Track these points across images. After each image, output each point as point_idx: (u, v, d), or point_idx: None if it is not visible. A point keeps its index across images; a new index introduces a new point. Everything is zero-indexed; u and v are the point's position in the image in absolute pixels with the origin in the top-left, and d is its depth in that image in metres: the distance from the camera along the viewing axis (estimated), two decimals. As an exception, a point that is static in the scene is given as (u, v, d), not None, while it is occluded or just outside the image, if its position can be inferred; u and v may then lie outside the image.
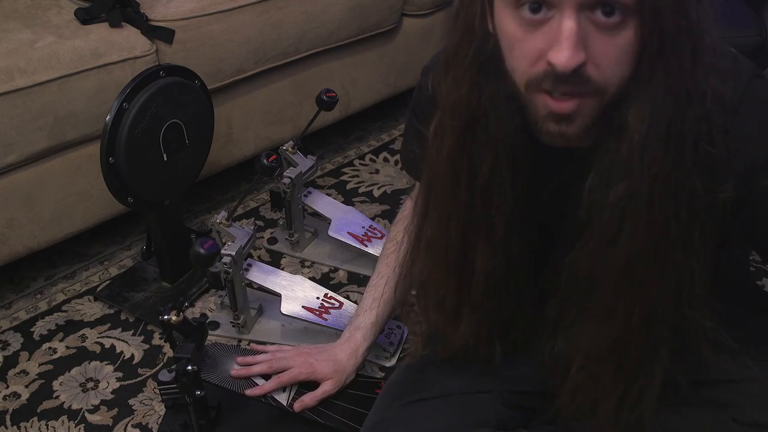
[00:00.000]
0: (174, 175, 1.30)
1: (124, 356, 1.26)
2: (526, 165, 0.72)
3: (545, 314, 0.78)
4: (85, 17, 1.31)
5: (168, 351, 1.26)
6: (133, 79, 1.17)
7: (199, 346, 1.02)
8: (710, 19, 0.61)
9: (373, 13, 1.71)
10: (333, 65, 1.71)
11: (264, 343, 1.25)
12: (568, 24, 0.58)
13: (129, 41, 1.31)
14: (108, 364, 1.24)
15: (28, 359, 1.25)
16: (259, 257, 1.49)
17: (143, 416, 1.14)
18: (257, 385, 1.12)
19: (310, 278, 1.37)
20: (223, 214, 1.22)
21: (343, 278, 1.45)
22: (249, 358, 1.16)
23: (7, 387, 1.19)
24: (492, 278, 0.77)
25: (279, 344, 1.24)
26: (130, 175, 1.19)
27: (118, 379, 1.21)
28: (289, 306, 1.24)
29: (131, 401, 1.17)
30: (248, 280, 1.26)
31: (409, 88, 1.94)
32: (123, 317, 1.34)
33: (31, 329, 1.31)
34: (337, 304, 1.28)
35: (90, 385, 1.20)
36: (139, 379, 1.21)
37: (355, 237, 1.44)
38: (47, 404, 1.16)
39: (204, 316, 1.32)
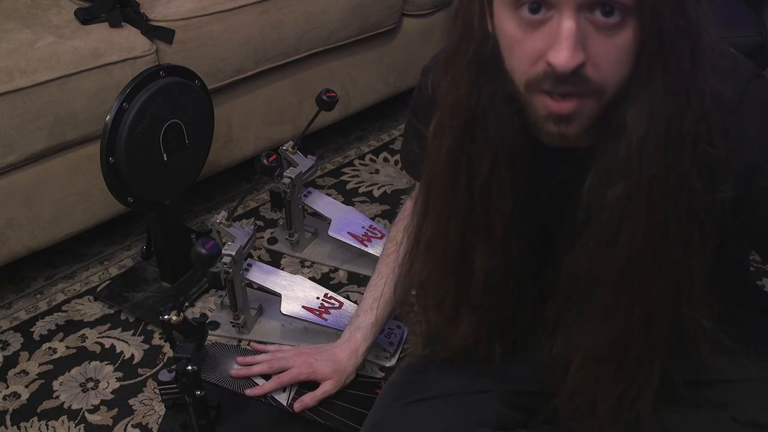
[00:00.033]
0: (174, 175, 1.30)
1: (124, 356, 1.26)
2: (526, 165, 0.72)
3: (545, 314, 0.78)
4: (85, 17, 1.31)
5: (168, 351, 1.26)
6: (133, 79, 1.17)
7: (199, 346, 1.02)
8: (709, 19, 0.61)
9: (373, 13, 1.71)
10: (333, 65, 1.71)
11: (264, 343, 1.25)
12: (567, 24, 0.58)
13: (129, 41, 1.31)
14: (108, 364, 1.24)
15: (28, 359, 1.25)
16: (259, 257, 1.50)
17: (143, 416, 1.15)
18: (257, 385, 1.12)
19: (310, 278, 1.37)
20: (223, 214, 1.22)
21: (343, 278, 1.45)
22: (249, 358, 1.16)
23: (7, 387, 1.20)
24: (491, 278, 0.77)
25: (279, 344, 1.24)
26: (130, 175, 1.19)
27: (118, 379, 1.21)
28: (289, 306, 1.24)
29: (131, 401, 1.17)
30: (248, 280, 1.26)
31: (409, 88, 1.94)
32: (123, 317, 1.34)
33: (31, 329, 1.31)
34: (337, 304, 1.28)
35: (90, 385, 1.20)
36: (139, 379, 1.21)
37: (355, 237, 1.44)
38: (47, 404, 1.16)
39: (204, 316, 1.32)
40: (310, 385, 1.11)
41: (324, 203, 1.49)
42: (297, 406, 1.09)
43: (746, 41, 1.67)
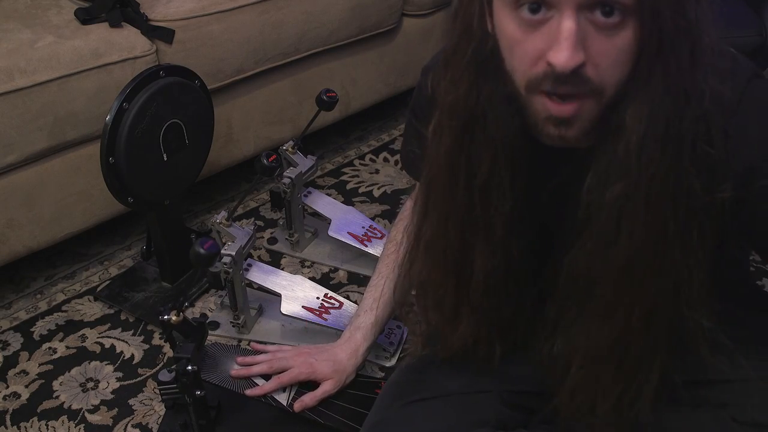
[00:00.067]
0: (174, 175, 1.30)
1: (124, 356, 1.26)
2: (525, 165, 0.72)
3: (544, 314, 0.78)
4: (85, 17, 1.31)
5: (168, 351, 1.26)
6: (133, 79, 1.17)
7: (199, 346, 1.02)
8: (709, 19, 0.61)
9: (373, 13, 1.71)
10: (333, 65, 1.71)
11: (264, 343, 1.25)
12: (567, 24, 0.58)
13: (129, 41, 1.31)
14: (108, 364, 1.24)
15: (28, 359, 1.25)
16: (259, 257, 1.50)
17: (143, 416, 1.15)
18: (257, 385, 1.13)
19: (310, 278, 1.37)
20: (223, 214, 1.22)
21: (343, 278, 1.45)
22: (249, 358, 1.16)
23: (7, 387, 1.20)
24: (491, 278, 0.77)
25: (279, 344, 1.24)
26: (130, 175, 1.19)
27: (118, 379, 1.21)
28: (289, 306, 1.24)
29: (131, 401, 1.17)
30: (248, 280, 1.26)
31: (409, 88, 1.94)
32: (123, 317, 1.34)
33: (31, 329, 1.31)
34: (337, 304, 1.28)
35: (90, 385, 1.20)
36: (139, 379, 1.21)
37: (355, 237, 1.44)
38: (47, 404, 1.17)
39: (204, 316, 1.32)
40: (310, 385, 1.11)
41: (324, 203, 1.49)
42: (297, 406, 1.09)
43: (746, 41, 1.67)
